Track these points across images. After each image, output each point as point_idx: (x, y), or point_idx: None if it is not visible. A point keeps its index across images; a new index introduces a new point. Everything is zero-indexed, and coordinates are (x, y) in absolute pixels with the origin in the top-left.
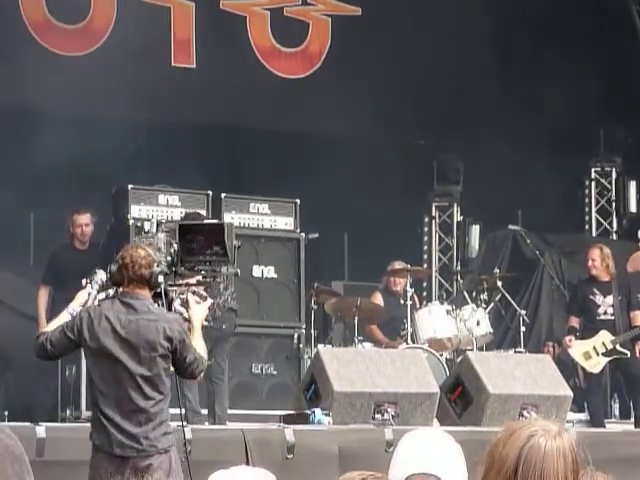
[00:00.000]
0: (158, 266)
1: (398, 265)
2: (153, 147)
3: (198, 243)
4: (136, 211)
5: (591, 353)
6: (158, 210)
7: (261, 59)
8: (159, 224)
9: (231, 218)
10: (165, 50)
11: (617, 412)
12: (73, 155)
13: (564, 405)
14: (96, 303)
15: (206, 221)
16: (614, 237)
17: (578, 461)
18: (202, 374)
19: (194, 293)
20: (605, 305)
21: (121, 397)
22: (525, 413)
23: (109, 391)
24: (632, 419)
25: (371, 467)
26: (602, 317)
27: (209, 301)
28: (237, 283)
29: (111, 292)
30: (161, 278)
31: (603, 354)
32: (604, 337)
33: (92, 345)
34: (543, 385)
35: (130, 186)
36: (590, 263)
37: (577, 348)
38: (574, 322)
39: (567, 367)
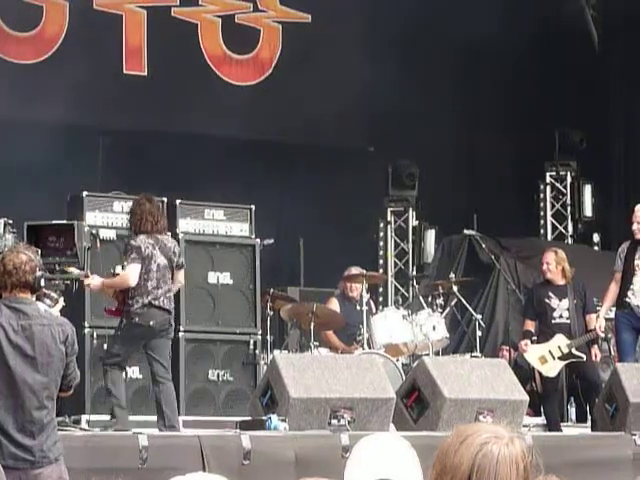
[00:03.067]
0: (40, 270)
1: (354, 271)
2: (107, 154)
3: (48, 245)
4: (91, 218)
5: (547, 357)
6: (113, 217)
7: (212, 66)
8: (6, 225)
9: (186, 224)
10: (116, 57)
11: (573, 416)
12: (25, 161)
13: (520, 409)
14: None
15: (55, 222)
16: (569, 241)
17: (529, 467)
18: (72, 391)
19: (45, 295)
20: (560, 309)
21: (16, 408)
22: (481, 418)
23: (2, 402)
24: (588, 423)
25: (327, 472)
26: (557, 321)
27: (60, 304)
28: (192, 289)
29: None
30: (43, 282)
31: (559, 358)
32: (560, 341)
33: None
34: (499, 389)
35: (85, 193)
36: (545, 267)
37: (533, 352)
38: (530, 326)
39: (523, 371)
